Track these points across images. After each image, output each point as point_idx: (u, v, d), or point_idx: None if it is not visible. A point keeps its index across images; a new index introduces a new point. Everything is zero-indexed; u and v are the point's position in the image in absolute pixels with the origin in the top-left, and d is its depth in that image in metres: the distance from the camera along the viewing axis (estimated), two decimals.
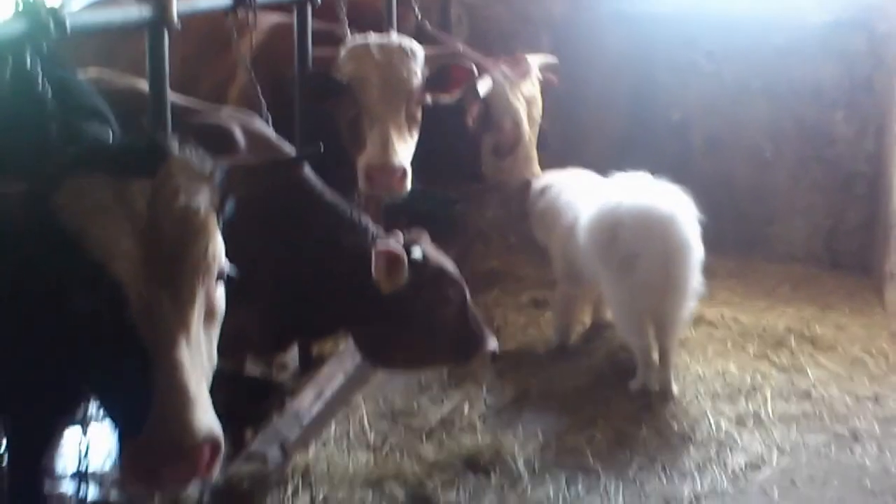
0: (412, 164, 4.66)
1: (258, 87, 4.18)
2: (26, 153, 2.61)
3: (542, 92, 5.68)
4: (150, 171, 2.36)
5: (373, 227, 3.94)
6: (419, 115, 4.73)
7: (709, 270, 5.04)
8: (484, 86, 5.31)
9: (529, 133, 5.59)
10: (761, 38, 6.69)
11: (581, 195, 5.21)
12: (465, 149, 5.58)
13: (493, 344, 4.02)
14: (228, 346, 3.95)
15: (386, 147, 4.45)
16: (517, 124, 5.49)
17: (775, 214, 7.01)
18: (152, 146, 2.46)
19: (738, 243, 6.78)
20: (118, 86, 3.73)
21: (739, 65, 6.80)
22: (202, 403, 2.20)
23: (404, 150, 4.56)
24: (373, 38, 4.74)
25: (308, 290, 3.73)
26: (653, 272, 4.65)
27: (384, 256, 3.67)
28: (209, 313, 2.37)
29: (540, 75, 5.69)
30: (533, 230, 5.62)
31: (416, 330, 3.85)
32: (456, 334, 3.94)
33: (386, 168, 4.45)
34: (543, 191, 5.45)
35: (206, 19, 4.40)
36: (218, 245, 2.40)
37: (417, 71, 4.68)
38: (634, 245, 4.68)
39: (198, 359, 2.26)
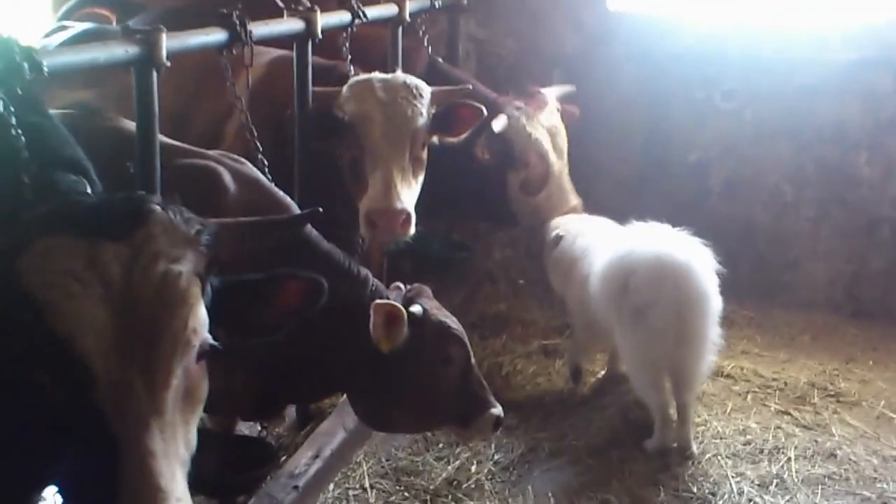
0: (426, 205, 4.51)
1: (254, 130, 3.96)
2: None
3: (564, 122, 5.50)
4: (127, 232, 2.11)
5: (371, 280, 3.75)
6: (424, 156, 4.52)
7: (726, 318, 4.88)
8: (499, 123, 5.12)
9: (558, 163, 5.39)
10: (783, 77, 6.46)
11: (597, 242, 4.98)
12: (490, 190, 5.37)
13: (496, 409, 3.77)
14: (218, 408, 3.76)
15: (389, 190, 4.23)
16: (542, 157, 5.30)
17: (795, 260, 6.77)
18: (130, 204, 2.21)
19: (757, 290, 6.56)
20: (100, 127, 3.50)
21: (759, 104, 6.58)
22: (176, 499, 1.94)
23: (408, 193, 4.33)
24: (377, 75, 4.52)
25: (301, 349, 3.47)
26: (666, 322, 4.43)
27: (382, 312, 3.51)
28: (188, 394, 2.12)
29: (558, 105, 5.49)
30: (549, 278, 5.41)
31: (415, 391, 3.66)
32: (457, 396, 3.73)
33: (388, 212, 4.22)
34: (558, 237, 5.21)
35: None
36: (200, 317, 2.14)
37: (423, 110, 4.46)
38: (647, 294, 4.46)
39: (173, 447, 2.00)
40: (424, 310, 3.65)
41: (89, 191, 2.54)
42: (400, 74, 4.59)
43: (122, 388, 1.97)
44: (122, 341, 1.99)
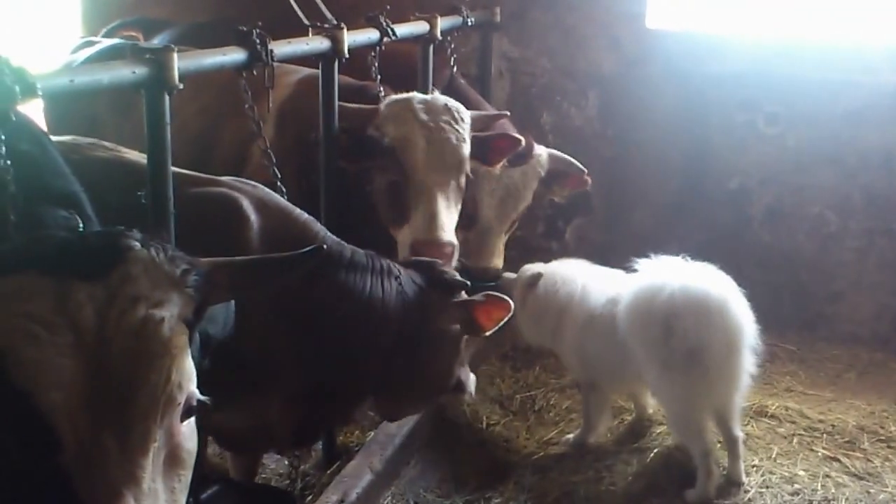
0: None
1: (272, 155, 3.75)
2: None
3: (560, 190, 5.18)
4: (102, 272, 1.86)
5: (395, 267, 3.64)
6: (465, 182, 4.32)
7: (768, 353, 4.70)
8: None
9: (490, 220, 5.03)
10: (828, 100, 6.16)
11: (590, 287, 4.66)
12: None
13: (473, 375, 3.97)
14: (254, 445, 3.73)
15: (434, 221, 4.06)
16: (475, 201, 4.91)
17: (839, 292, 6.44)
18: (106, 240, 1.95)
19: (799, 323, 6.28)
20: (100, 158, 3.28)
21: (803, 128, 6.26)
22: None
23: (452, 224, 4.16)
24: (416, 95, 4.31)
25: (337, 359, 3.44)
26: (719, 363, 4.21)
27: (505, 309, 3.65)
28: (172, 458, 1.87)
29: (543, 170, 5.09)
30: (524, 329, 4.87)
31: (441, 364, 3.71)
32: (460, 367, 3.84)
33: (435, 245, 4.03)
34: (534, 279, 4.78)
35: None
36: (185, 370, 1.89)
37: (467, 136, 4.26)
38: (697, 337, 4.17)
39: None
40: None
41: (81, 227, 2.30)
42: (439, 96, 4.38)
43: (92, 451, 1.73)
44: (93, 397, 1.75)
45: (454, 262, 4.13)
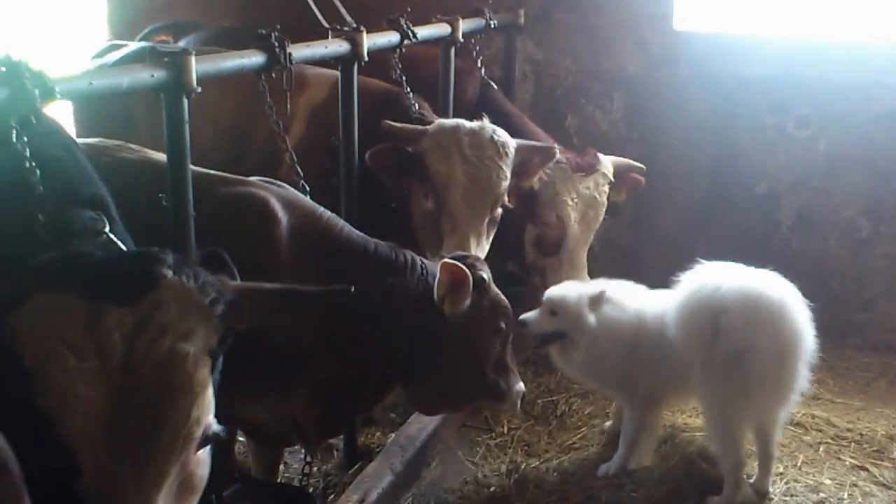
0: None
1: (294, 155, 3.77)
2: (6, 252, 2.15)
3: (621, 192, 5.15)
4: (134, 297, 1.86)
5: (419, 261, 3.69)
6: (499, 213, 4.36)
7: None
8: None
9: (577, 234, 5.02)
10: (860, 103, 6.07)
11: (633, 303, 4.46)
12: (508, 234, 5.03)
13: (521, 385, 3.88)
14: (275, 434, 3.75)
15: None
16: (561, 220, 4.94)
17: (871, 299, 6.36)
18: (141, 264, 1.95)
19: (829, 331, 5.85)
20: (127, 159, 3.30)
21: (834, 132, 6.18)
22: None
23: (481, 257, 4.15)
24: (463, 125, 4.30)
25: (362, 349, 3.49)
26: (766, 368, 4.04)
27: (448, 271, 3.51)
28: (184, 484, 1.87)
29: (612, 178, 5.10)
30: (581, 361, 4.48)
31: (469, 362, 3.69)
32: (499, 369, 3.78)
33: None
34: (600, 298, 4.43)
35: None
36: (206, 405, 1.89)
37: (508, 172, 4.29)
38: (743, 337, 4.01)
39: None
40: (488, 277, 3.67)
41: (108, 229, 2.32)
42: (487, 126, 4.36)
43: (110, 481, 1.75)
44: (115, 428, 1.76)
45: None
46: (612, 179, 5.13)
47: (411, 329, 3.56)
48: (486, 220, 4.20)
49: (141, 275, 1.92)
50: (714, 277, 4.15)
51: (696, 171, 6.43)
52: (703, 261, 4.28)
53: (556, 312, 4.41)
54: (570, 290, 4.49)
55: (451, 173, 4.16)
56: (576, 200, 4.96)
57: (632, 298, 4.48)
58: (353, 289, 2.26)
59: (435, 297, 3.52)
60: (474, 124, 4.34)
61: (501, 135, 4.34)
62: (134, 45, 5.04)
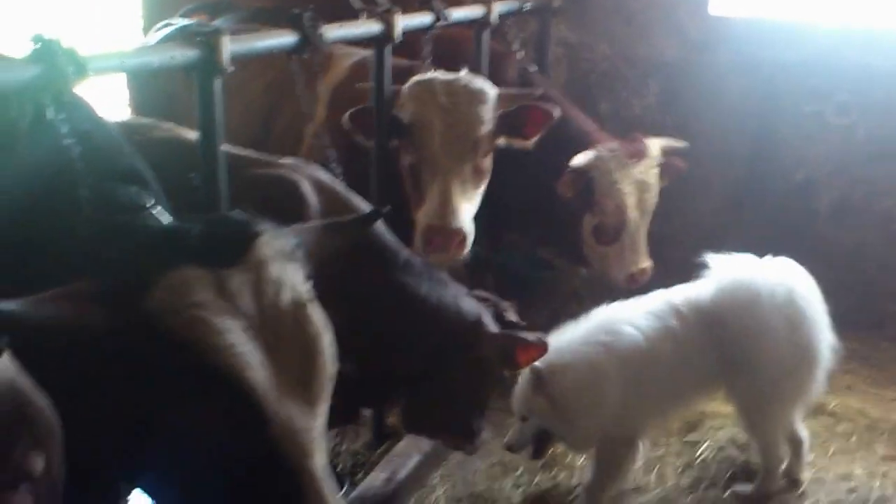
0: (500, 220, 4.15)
1: (324, 136, 3.77)
2: (55, 229, 2.22)
3: (665, 178, 5.09)
4: (240, 259, 1.97)
5: (444, 277, 3.67)
6: (487, 164, 4.28)
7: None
8: (582, 158, 4.82)
9: (638, 220, 5.00)
10: None
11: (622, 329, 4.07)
12: (564, 226, 5.08)
13: (484, 431, 3.88)
14: None
15: (445, 207, 4.02)
16: (620, 208, 4.91)
17: None
18: (236, 228, 2.05)
19: (864, 321, 6.00)
20: (158, 136, 3.33)
21: (875, 119, 6.04)
22: None
23: (466, 209, 4.11)
24: (439, 75, 4.27)
25: (381, 356, 3.46)
26: (817, 356, 4.15)
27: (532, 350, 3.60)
28: None
29: (660, 160, 5.07)
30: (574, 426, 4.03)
31: (463, 400, 3.69)
32: (482, 410, 3.81)
33: (443, 231, 4.01)
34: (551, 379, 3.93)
35: None
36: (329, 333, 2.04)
37: (487, 116, 4.21)
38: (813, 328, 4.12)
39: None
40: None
41: (151, 203, 2.37)
42: (464, 75, 4.32)
43: (290, 422, 1.90)
44: (277, 375, 1.91)
45: (466, 251, 4.09)
46: (661, 162, 5.12)
47: (435, 344, 3.54)
48: (469, 166, 4.13)
49: (240, 237, 2.01)
50: (741, 276, 4.11)
51: (732, 158, 6.34)
52: (725, 254, 4.22)
53: (525, 416, 4.06)
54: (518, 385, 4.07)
55: (427, 121, 4.10)
56: (632, 187, 4.95)
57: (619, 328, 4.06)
58: (386, 209, 2.41)
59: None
60: (450, 75, 4.30)
61: (478, 83, 4.29)
62: (182, 22, 5.08)
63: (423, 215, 4.05)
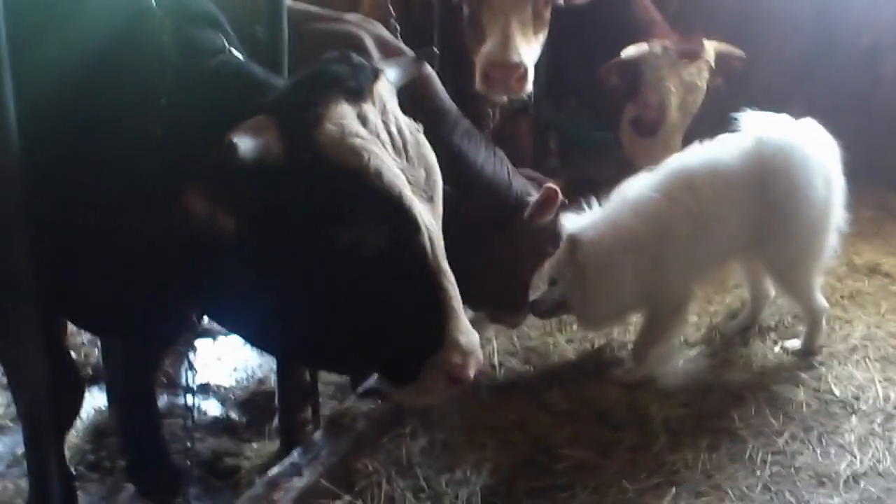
0: (564, 83, 4.21)
1: None
2: (139, 69, 2.39)
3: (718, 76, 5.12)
4: (368, 93, 2.26)
5: (501, 153, 3.85)
6: (548, 14, 4.34)
7: (886, 209, 4.60)
8: (632, 50, 4.92)
9: (676, 120, 5.07)
10: None
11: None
12: (606, 111, 5.23)
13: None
14: None
15: (507, 43, 4.08)
16: (662, 106, 5.01)
17: None
18: (361, 66, 2.30)
19: None
20: None
21: None
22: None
23: (527, 48, 4.17)
24: None
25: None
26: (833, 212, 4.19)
27: (547, 192, 3.72)
28: None
29: (712, 63, 5.09)
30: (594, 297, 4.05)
31: (511, 271, 3.89)
32: (526, 287, 4.02)
33: (505, 65, 4.07)
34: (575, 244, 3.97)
35: None
36: None
37: None
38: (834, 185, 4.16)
39: None
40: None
41: (227, 46, 2.51)
42: None
43: (432, 230, 2.25)
44: (418, 191, 2.24)
45: (528, 87, 4.14)
46: (713, 66, 5.13)
47: (486, 210, 3.66)
48: (529, 9, 4.18)
49: (365, 75, 2.27)
50: (758, 135, 4.10)
51: (797, 21, 6.27)
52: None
53: (553, 280, 4.12)
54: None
55: None
56: (678, 87, 5.00)
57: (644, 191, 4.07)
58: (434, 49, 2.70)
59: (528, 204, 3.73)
60: None
61: None
62: None
63: (482, 53, 4.12)
